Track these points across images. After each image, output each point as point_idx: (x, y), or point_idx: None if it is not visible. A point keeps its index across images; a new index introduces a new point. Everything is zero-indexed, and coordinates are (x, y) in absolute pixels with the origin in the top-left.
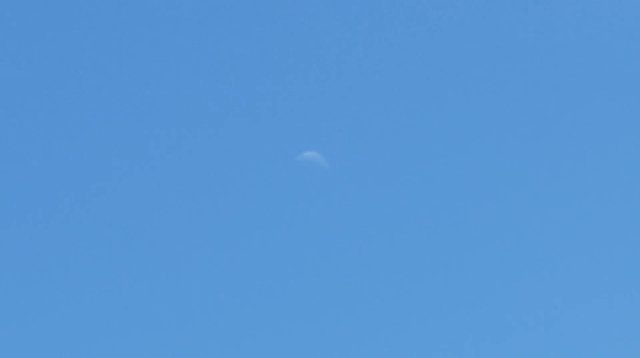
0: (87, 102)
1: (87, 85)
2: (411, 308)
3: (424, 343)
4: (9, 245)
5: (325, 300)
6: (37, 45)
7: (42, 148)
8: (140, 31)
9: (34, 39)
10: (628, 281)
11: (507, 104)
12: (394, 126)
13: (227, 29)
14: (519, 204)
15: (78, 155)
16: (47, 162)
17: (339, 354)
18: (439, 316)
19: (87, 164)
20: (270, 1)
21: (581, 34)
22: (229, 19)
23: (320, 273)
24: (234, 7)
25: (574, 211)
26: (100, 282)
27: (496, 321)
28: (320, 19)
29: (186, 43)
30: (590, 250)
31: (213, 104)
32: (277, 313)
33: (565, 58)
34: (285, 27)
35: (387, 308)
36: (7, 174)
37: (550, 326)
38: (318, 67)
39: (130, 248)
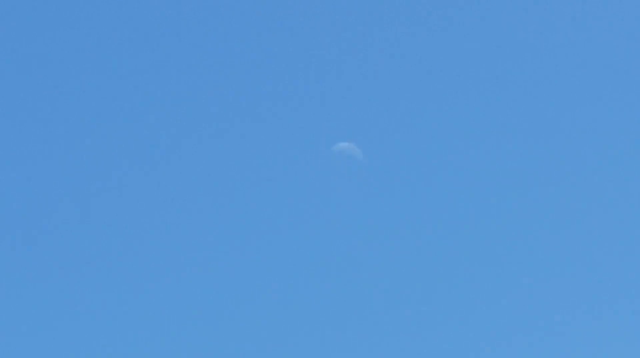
0: (107, 102)
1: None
2: (437, 305)
3: (434, 345)
4: (9, 245)
5: (356, 294)
6: (37, 45)
7: (43, 148)
8: (172, 25)
9: (34, 39)
10: (628, 281)
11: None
12: (429, 117)
13: (261, 22)
14: (542, 204)
15: (95, 155)
16: (48, 162)
17: (350, 354)
18: (463, 316)
19: (103, 164)
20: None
21: (581, 34)
22: (265, 12)
23: (355, 264)
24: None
25: (576, 211)
26: (109, 282)
27: (502, 322)
28: (357, 12)
29: (219, 36)
30: (590, 250)
31: (247, 97)
32: (299, 307)
33: (566, 58)
34: (322, 19)
35: (418, 303)
36: (7, 174)
37: (551, 326)
38: (353, 59)
39: (138, 253)
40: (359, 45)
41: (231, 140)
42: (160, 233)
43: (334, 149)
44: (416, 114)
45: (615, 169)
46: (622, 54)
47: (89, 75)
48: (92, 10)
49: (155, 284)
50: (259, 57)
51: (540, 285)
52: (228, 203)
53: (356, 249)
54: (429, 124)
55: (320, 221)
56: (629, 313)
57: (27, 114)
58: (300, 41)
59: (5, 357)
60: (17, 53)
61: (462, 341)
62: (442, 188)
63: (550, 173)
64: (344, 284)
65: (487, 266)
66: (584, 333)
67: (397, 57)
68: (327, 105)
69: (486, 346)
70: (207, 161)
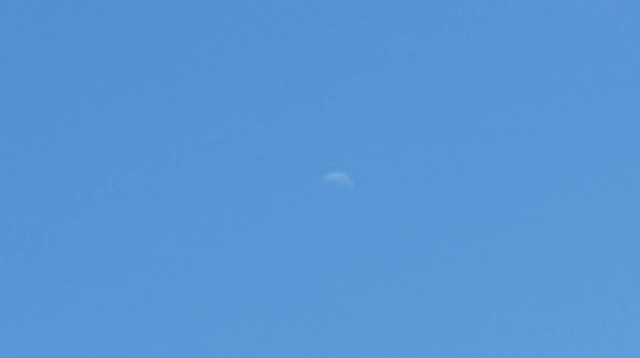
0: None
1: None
2: (428, 316)
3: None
4: (9, 245)
5: (347, 319)
6: (37, 45)
7: (42, 148)
8: (147, 31)
9: (34, 39)
10: (629, 281)
11: (522, 109)
12: (420, 147)
13: (243, 45)
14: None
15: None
16: (48, 161)
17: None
18: (457, 325)
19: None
20: (295, 25)
21: (581, 34)
22: (250, 42)
23: (345, 291)
24: (251, 9)
25: (578, 212)
26: (108, 282)
27: (502, 323)
28: (347, 38)
29: (205, 60)
30: (591, 250)
31: (236, 125)
32: (292, 326)
33: (566, 58)
34: (309, 48)
35: (407, 316)
36: (6, 174)
37: (551, 326)
38: (343, 88)
39: (138, 257)
40: (350, 74)
41: (219, 170)
42: (141, 267)
43: (325, 179)
44: (407, 144)
45: (615, 169)
46: (622, 54)
47: (89, 74)
48: (91, 9)
49: (144, 298)
50: (248, 86)
51: (537, 289)
52: (216, 235)
53: (347, 279)
54: (421, 154)
55: (311, 252)
56: (629, 313)
57: (26, 114)
58: (290, 70)
59: (5, 357)
60: (17, 53)
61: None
62: (434, 217)
63: (545, 183)
64: (334, 316)
65: (478, 293)
66: (584, 333)
67: (388, 87)
68: (317, 135)
69: (483, 350)
70: (193, 191)
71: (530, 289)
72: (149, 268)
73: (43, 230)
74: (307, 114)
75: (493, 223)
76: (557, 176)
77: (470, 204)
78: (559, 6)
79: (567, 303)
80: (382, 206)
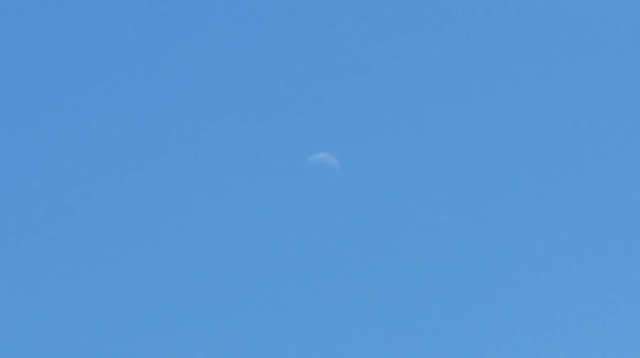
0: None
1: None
2: (420, 307)
3: (431, 344)
4: (9, 245)
5: (335, 300)
6: (37, 45)
7: (43, 147)
8: (143, 31)
9: (34, 39)
10: (629, 281)
11: (514, 104)
12: (406, 126)
13: (237, 29)
14: (534, 205)
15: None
16: (48, 161)
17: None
18: (450, 316)
19: (91, 167)
20: (282, 1)
21: (581, 34)
22: (240, 18)
23: (332, 273)
24: (245, 7)
25: (577, 212)
26: (107, 281)
27: (501, 322)
28: (331, 18)
29: (195, 42)
30: (591, 250)
31: (223, 106)
32: (286, 314)
33: (566, 58)
34: (295, 27)
35: (397, 307)
36: (6, 173)
37: (551, 327)
38: (328, 68)
39: (131, 251)
40: (335, 55)
41: (208, 151)
42: (142, 243)
43: (311, 159)
44: (392, 123)
45: (615, 169)
46: (622, 54)
47: (88, 73)
48: (91, 9)
49: (143, 292)
50: (237, 69)
51: (534, 288)
52: (205, 215)
53: (334, 258)
54: (406, 133)
55: (298, 231)
56: (629, 313)
57: (26, 114)
58: (277, 52)
59: (5, 357)
60: (16, 53)
61: (451, 346)
62: (420, 196)
63: (539, 173)
64: (323, 294)
65: (469, 271)
66: (584, 333)
67: (374, 67)
68: (303, 115)
69: (480, 348)
70: (183, 173)
71: (522, 276)
72: (146, 250)
73: (42, 229)
74: (294, 98)
75: (481, 211)
76: (555, 170)
77: (457, 184)
78: (559, 6)
79: (566, 303)
80: (368, 186)
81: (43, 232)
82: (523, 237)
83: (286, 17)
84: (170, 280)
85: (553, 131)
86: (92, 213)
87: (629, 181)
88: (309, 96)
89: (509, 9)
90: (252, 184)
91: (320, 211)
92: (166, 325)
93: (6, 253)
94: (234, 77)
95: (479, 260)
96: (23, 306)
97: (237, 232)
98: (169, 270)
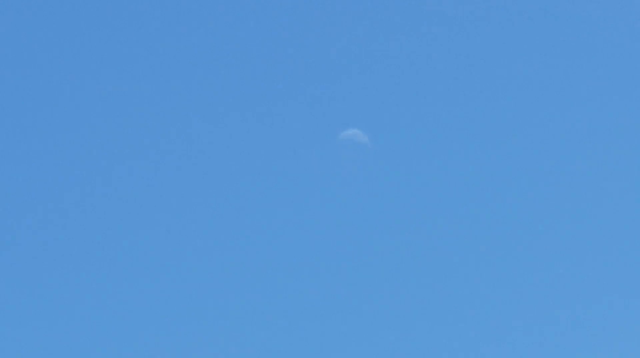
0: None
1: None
2: (444, 294)
3: (432, 343)
4: (8, 245)
5: (364, 280)
6: (37, 44)
7: (43, 147)
8: (146, 32)
9: (34, 39)
10: (629, 281)
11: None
12: (436, 105)
13: (267, 12)
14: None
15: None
16: (49, 161)
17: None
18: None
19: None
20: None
21: (581, 34)
22: (258, 18)
23: (361, 252)
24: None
25: (576, 211)
26: (106, 281)
27: (499, 322)
28: (363, 1)
29: (223, 24)
30: (591, 250)
31: (253, 85)
32: (313, 295)
33: (566, 58)
34: (329, 8)
35: (422, 291)
36: (6, 173)
37: (551, 326)
38: (358, 47)
39: (139, 251)
40: (365, 33)
41: (238, 128)
42: (146, 245)
43: (341, 136)
44: (423, 101)
45: (615, 169)
46: (621, 54)
47: (87, 72)
48: (90, 8)
49: (145, 289)
50: (266, 47)
51: (549, 282)
52: (236, 192)
53: (364, 236)
54: (436, 111)
55: (328, 209)
56: (629, 313)
57: (26, 113)
58: (307, 30)
59: (5, 357)
60: (16, 53)
61: (469, 332)
62: (449, 175)
63: (563, 163)
64: (351, 273)
65: (495, 254)
66: (583, 333)
67: (404, 44)
68: (333, 92)
69: (490, 342)
70: (213, 151)
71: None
72: (163, 234)
73: (42, 229)
74: (323, 73)
75: (507, 185)
76: (557, 170)
77: (481, 165)
78: (559, 6)
79: (566, 302)
80: (399, 163)
81: (42, 231)
82: (531, 235)
83: (305, 1)
84: (180, 273)
85: (556, 130)
86: (94, 210)
87: (629, 181)
88: (340, 74)
89: (509, 9)
90: (285, 162)
91: (351, 188)
92: (168, 323)
93: (5, 253)
94: (263, 56)
95: (510, 238)
96: (22, 306)
97: (267, 211)
98: (181, 263)
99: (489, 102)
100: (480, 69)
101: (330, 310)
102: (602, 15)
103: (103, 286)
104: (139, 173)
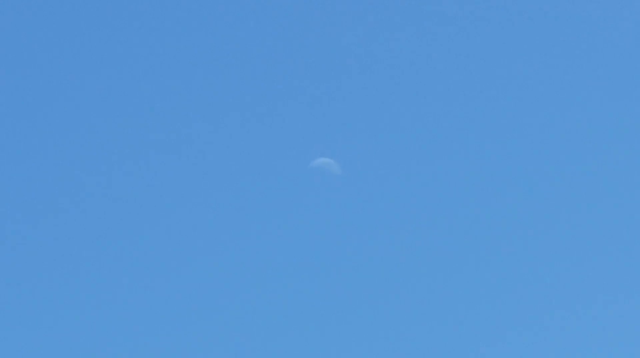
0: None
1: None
2: (420, 311)
3: (432, 345)
4: (8, 244)
5: (334, 304)
6: (37, 44)
7: (44, 147)
8: (145, 32)
9: (34, 39)
10: (628, 281)
11: (512, 105)
12: (408, 133)
13: (235, 30)
14: (528, 206)
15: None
16: (48, 161)
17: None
18: (447, 323)
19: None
20: (284, 7)
21: (581, 34)
22: (237, 20)
23: (332, 277)
24: (242, 9)
25: (575, 211)
26: (105, 280)
27: (498, 322)
28: (333, 24)
29: (192, 45)
30: (590, 250)
31: (225, 110)
32: (284, 317)
33: (566, 58)
34: (297, 32)
35: (399, 312)
36: (5, 173)
37: (550, 326)
38: (331, 73)
39: (130, 253)
40: (337, 61)
41: (208, 154)
42: (141, 248)
43: (312, 164)
44: (394, 129)
45: (615, 169)
46: (622, 54)
47: (87, 72)
48: (89, 7)
49: (141, 291)
50: (239, 73)
51: (532, 287)
52: (205, 219)
53: (334, 263)
54: (408, 140)
55: (298, 236)
56: (629, 313)
57: (26, 113)
58: (279, 57)
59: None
60: (16, 53)
61: (447, 345)
62: (421, 203)
63: (536, 178)
64: (322, 298)
65: (469, 280)
66: (583, 333)
67: (375, 73)
68: (305, 120)
69: (478, 347)
70: (181, 175)
71: (521, 276)
72: (141, 254)
73: (41, 229)
74: (296, 102)
75: (483, 214)
76: (557, 170)
77: (459, 190)
78: (559, 6)
79: (567, 304)
80: (370, 192)
81: (42, 232)
82: (522, 237)
83: (288, 20)
84: (167, 282)
85: (555, 131)
86: (93, 210)
87: (629, 180)
88: (312, 99)
89: (509, 9)
90: (253, 187)
91: (322, 215)
92: (162, 325)
93: (6, 253)
94: (235, 79)
95: (479, 265)
96: (21, 306)
97: (237, 235)
98: (166, 272)
99: (463, 130)
100: (455, 96)
101: (305, 333)
102: (602, 15)
103: (103, 287)
104: (128, 176)
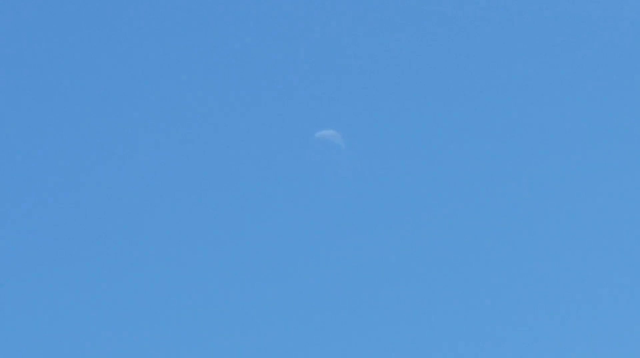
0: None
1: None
2: (424, 290)
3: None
4: (8, 244)
5: (337, 283)
6: (37, 44)
7: (42, 147)
8: (151, 15)
9: (34, 39)
10: (628, 282)
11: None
12: (412, 106)
13: (245, 9)
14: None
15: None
16: (47, 161)
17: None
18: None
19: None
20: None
21: (580, 34)
22: (250, 5)
23: (334, 253)
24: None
25: (575, 211)
26: (104, 280)
27: (497, 321)
28: (340, 3)
29: (203, 24)
30: (590, 250)
31: (231, 83)
32: (287, 297)
33: (565, 58)
34: (307, 9)
35: (402, 290)
36: (5, 172)
37: (550, 326)
38: (336, 48)
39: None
40: (343, 34)
41: (213, 128)
42: (148, 229)
43: (316, 136)
44: (398, 102)
45: (615, 169)
46: (622, 54)
47: (86, 73)
48: (89, 8)
49: (145, 282)
50: (243, 47)
51: (532, 287)
52: (209, 194)
53: (338, 236)
54: (412, 112)
55: (301, 208)
56: (629, 313)
57: (26, 113)
58: (285, 31)
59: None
60: (16, 53)
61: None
62: (425, 175)
63: (536, 169)
64: (325, 273)
65: (472, 255)
66: (583, 333)
67: (381, 46)
68: (309, 92)
69: (479, 347)
70: (187, 152)
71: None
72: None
73: (41, 228)
74: (301, 73)
75: (486, 189)
76: (558, 169)
77: (457, 165)
78: (559, 6)
79: (567, 304)
80: (373, 164)
81: (41, 231)
82: (531, 232)
83: (285, 3)
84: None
85: (556, 130)
86: (93, 210)
87: (629, 180)
88: (318, 72)
89: (509, 9)
90: (260, 160)
91: (325, 188)
92: (161, 321)
93: (5, 252)
94: (242, 54)
95: (483, 242)
96: (22, 306)
97: (243, 210)
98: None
99: (468, 104)
100: (461, 71)
101: (306, 310)
102: (602, 15)
103: (102, 287)
104: (121, 174)
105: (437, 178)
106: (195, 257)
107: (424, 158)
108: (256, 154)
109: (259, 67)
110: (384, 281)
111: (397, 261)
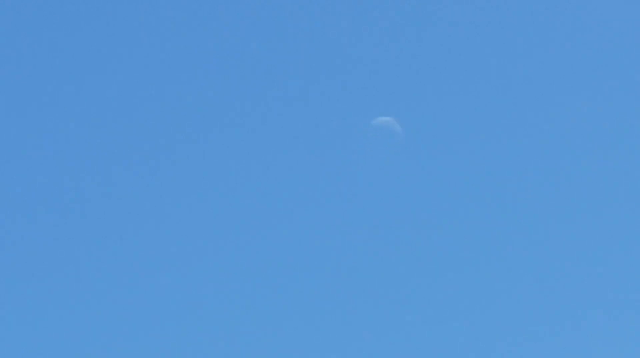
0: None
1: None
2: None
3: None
4: (8, 244)
5: (395, 266)
6: (37, 44)
7: (46, 147)
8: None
9: (34, 39)
10: (628, 282)
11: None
12: (470, 94)
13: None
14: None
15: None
16: (47, 161)
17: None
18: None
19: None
20: None
21: (580, 34)
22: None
23: (390, 240)
24: None
25: (576, 211)
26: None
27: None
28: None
29: (252, 11)
30: (590, 250)
31: (288, 68)
32: (344, 292)
33: (565, 58)
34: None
35: (464, 284)
36: (5, 172)
37: (550, 326)
38: (394, 33)
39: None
40: (400, 20)
41: (269, 113)
42: (186, 202)
43: (373, 123)
44: (457, 90)
45: (615, 169)
46: (622, 53)
47: (86, 73)
48: (89, 8)
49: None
50: (298, 33)
51: (533, 287)
52: (266, 178)
53: (393, 223)
54: (470, 100)
55: (358, 195)
56: (628, 313)
57: (26, 113)
58: (340, 16)
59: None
60: (16, 53)
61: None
62: (482, 163)
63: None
64: (378, 261)
65: (531, 244)
66: (583, 333)
67: (439, 32)
68: (367, 79)
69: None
70: (243, 137)
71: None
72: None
73: (41, 228)
74: (357, 60)
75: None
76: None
77: (516, 153)
78: (559, 6)
79: (567, 304)
80: (431, 152)
81: (41, 231)
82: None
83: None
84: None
85: (557, 130)
86: (92, 210)
87: (629, 180)
88: (376, 58)
89: (509, 9)
90: (316, 146)
91: (382, 174)
92: (161, 320)
93: (5, 252)
94: (302, 40)
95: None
96: (22, 306)
97: (297, 194)
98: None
99: (529, 90)
100: (522, 58)
101: (358, 302)
102: (602, 15)
103: (103, 287)
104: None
105: (498, 162)
106: (240, 240)
107: (482, 142)
108: (312, 142)
109: (315, 55)
110: (449, 273)
111: (459, 253)
